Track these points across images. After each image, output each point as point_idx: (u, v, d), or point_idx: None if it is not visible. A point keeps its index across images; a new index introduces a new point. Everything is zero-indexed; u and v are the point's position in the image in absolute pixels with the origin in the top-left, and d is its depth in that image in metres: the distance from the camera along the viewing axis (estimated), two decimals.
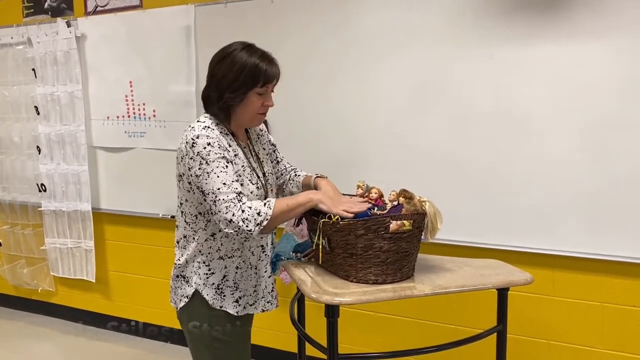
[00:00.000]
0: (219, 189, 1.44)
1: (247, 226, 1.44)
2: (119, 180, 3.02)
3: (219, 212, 1.44)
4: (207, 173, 1.45)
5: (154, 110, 2.84)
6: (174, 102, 2.75)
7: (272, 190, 1.70)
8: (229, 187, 1.45)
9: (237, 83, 1.49)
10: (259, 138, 1.76)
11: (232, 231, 1.45)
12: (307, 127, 2.49)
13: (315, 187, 1.68)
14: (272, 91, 1.59)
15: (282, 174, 1.86)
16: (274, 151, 1.83)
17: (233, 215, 1.43)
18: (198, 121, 1.54)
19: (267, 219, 1.46)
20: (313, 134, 2.48)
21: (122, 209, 3.04)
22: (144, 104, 2.86)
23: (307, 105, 2.48)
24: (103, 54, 2.92)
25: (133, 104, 2.89)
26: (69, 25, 2.94)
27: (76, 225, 3.13)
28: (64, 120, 3.03)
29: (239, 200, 1.45)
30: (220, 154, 1.47)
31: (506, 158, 2.16)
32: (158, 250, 2.99)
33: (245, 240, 1.52)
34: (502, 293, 1.66)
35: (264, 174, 1.66)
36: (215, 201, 1.45)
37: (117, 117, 2.94)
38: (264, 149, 1.77)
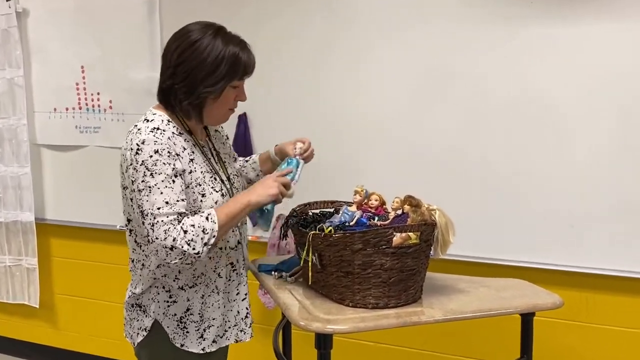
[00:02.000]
0: (159, 208, 1.43)
1: (193, 249, 1.43)
2: (68, 184, 3.00)
3: (157, 238, 1.42)
4: (150, 187, 1.44)
5: (110, 101, 2.83)
6: (134, 91, 2.75)
7: None
8: (171, 207, 1.44)
9: (214, 76, 1.50)
10: (216, 133, 1.78)
11: (176, 260, 1.43)
12: (293, 124, 2.49)
13: (276, 154, 1.81)
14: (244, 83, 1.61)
15: (240, 170, 1.89)
16: (231, 147, 1.85)
17: (174, 240, 1.42)
18: (146, 119, 1.53)
19: (214, 236, 1.47)
20: (300, 132, 2.45)
21: (72, 219, 3.02)
22: (98, 94, 2.85)
23: (293, 97, 2.48)
24: (49, 33, 2.90)
25: (85, 94, 2.87)
26: None
27: (16, 239, 3.10)
28: (2, 112, 3.01)
29: (179, 222, 1.45)
30: (169, 164, 1.46)
31: (530, 159, 2.17)
32: (116, 269, 2.97)
33: (192, 265, 1.51)
34: (527, 319, 1.67)
35: (228, 177, 1.67)
36: (153, 225, 1.43)
37: (66, 109, 2.93)
38: (224, 146, 1.79)
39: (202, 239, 1.44)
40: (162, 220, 1.43)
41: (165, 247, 1.42)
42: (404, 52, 2.30)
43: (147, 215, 1.44)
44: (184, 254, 1.43)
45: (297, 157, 1.71)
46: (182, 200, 1.47)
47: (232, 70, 1.52)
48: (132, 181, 1.46)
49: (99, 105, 2.85)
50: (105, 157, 2.86)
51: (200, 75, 1.50)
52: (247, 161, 1.91)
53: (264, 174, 1.88)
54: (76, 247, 3.09)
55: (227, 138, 1.84)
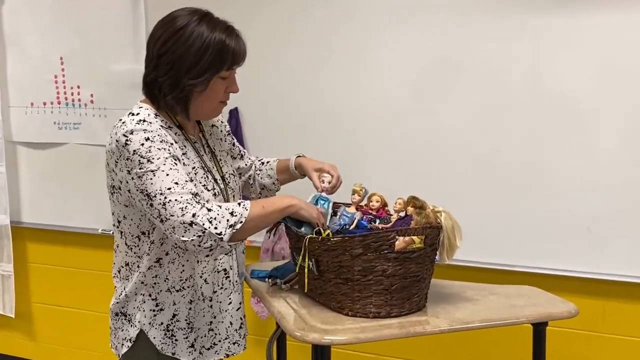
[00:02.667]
0: (169, 188, 1.40)
1: (215, 228, 1.38)
2: (46, 185, 2.99)
3: (172, 216, 1.39)
4: (152, 171, 1.42)
5: (91, 95, 2.82)
6: (117, 85, 2.74)
7: (234, 197, 1.69)
8: (182, 187, 1.41)
9: (199, 67, 1.48)
10: (213, 129, 1.77)
11: (193, 238, 1.38)
12: (289, 119, 2.49)
13: (296, 168, 1.78)
14: (235, 73, 1.59)
15: (249, 170, 1.88)
16: (234, 144, 1.85)
17: (194, 216, 1.38)
18: (131, 113, 1.52)
19: (241, 222, 1.42)
20: (297, 128, 2.49)
21: (50, 222, 3.01)
22: (78, 87, 2.85)
23: (288, 91, 2.48)
24: (26, 23, 2.90)
25: (64, 87, 2.87)
26: None
27: None
28: None
29: (198, 202, 1.41)
30: (164, 149, 1.45)
31: (543, 158, 2.18)
32: (98, 276, 2.96)
33: (205, 258, 1.48)
34: (539, 329, 1.67)
35: (222, 176, 1.66)
36: (165, 204, 1.39)
37: (44, 103, 2.92)
38: (222, 143, 1.77)
39: (227, 220, 1.40)
40: (176, 199, 1.39)
41: (184, 222, 1.38)
42: (407, 43, 2.30)
43: (154, 196, 1.40)
44: (204, 232, 1.38)
45: (324, 192, 1.68)
46: (191, 180, 1.46)
47: (219, 60, 1.50)
48: (128, 171, 1.44)
49: (79, 100, 2.84)
50: (86, 155, 2.85)
51: (184, 66, 1.48)
52: (262, 163, 1.89)
53: (280, 183, 1.87)
54: (55, 252, 3.08)
55: (229, 134, 1.82)
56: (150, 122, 1.49)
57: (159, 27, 1.54)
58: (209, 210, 1.40)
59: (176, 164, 1.45)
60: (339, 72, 2.41)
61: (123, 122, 1.48)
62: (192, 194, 1.42)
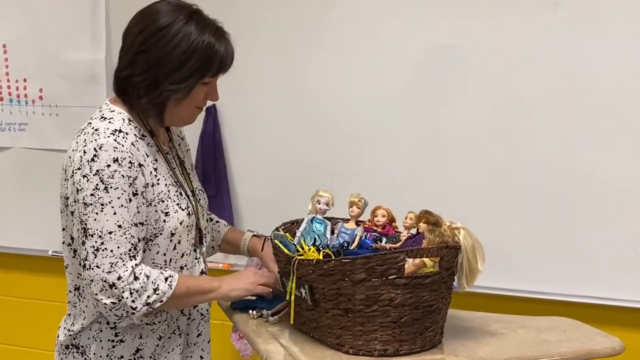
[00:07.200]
0: (110, 232, 1.46)
1: (133, 301, 1.46)
2: None
3: (98, 267, 1.46)
4: (102, 205, 1.47)
5: (40, 90, 2.82)
6: (71, 78, 2.75)
7: (203, 215, 1.75)
8: (123, 234, 1.47)
9: (182, 72, 1.53)
10: (180, 137, 1.83)
11: (107, 302, 1.46)
12: (273, 118, 2.51)
13: (248, 251, 1.88)
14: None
15: None
16: (192, 166, 1.89)
17: (118, 278, 1.45)
18: (103, 117, 1.56)
19: (161, 301, 1.51)
20: (282, 128, 2.50)
21: None
22: (25, 80, 2.85)
23: (272, 86, 2.50)
24: None
25: (8, 80, 2.87)
26: None
27: None
28: None
29: (132, 258, 1.48)
30: (128, 178, 1.49)
31: (579, 164, 2.18)
32: (47, 307, 2.96)
33: (118, 322, 1.55)
34: None
35: (192, 191, 1.70)
36: (97, 250, 1.46)
37: None
38: (188, 154, 1.84)
39: (148, 296, 1.48)
40: (111, 251, 1.46)
41: (105, 280, 1.45)
42: (410, 28, 2.31)
43: (92, 235, 1.46)
44: (120, 301, 1.46)
45: (319, 214, 1.74)
46: (136, 225, 1.50)
47: (205, 66, 1.55)
48: (78, 190, 1.48)
49: (25, 96, 2.85)
50: (34, 161, 2.85)
51: (165, 69, 1.52)
52: (215, 222, 1.95)
53: (220, 251, 1.95)
54: None
55: (188, 150, 1.88)
56: (126, 134, 1.52)
57: (139, 19, 1.57)
58: (136, 279, 1.47)
59: (130, 200, 1.49)
60: (331, 65, 2.41)
61: (95, 130, 1.52)
62: (132, 245, 1.49)
